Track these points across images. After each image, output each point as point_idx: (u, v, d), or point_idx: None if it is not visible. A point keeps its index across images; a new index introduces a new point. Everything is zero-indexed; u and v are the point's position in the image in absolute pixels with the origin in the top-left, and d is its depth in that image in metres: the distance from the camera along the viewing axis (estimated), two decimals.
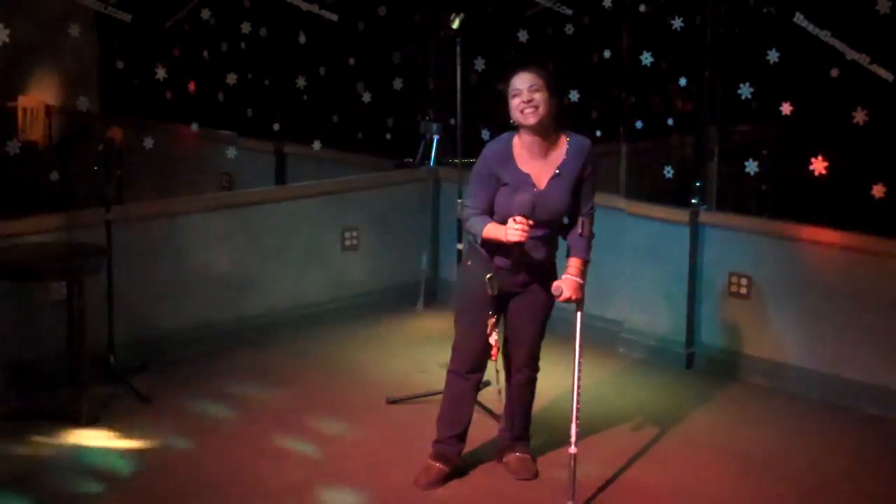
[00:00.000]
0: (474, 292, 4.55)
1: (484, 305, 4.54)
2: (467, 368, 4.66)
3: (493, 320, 4.55)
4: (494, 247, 4.50)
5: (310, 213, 6.76)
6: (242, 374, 5.94)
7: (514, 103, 4.41)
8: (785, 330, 5.82)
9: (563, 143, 4.50)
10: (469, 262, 4.63)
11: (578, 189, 4.51)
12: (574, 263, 4.53)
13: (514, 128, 4.49)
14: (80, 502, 4.58)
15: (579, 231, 4.54)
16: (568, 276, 4.50)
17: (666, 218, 6.15)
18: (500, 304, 4.61)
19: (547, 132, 4.46)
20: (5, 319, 5.51)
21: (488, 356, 4.61)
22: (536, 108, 4.38)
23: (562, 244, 4.64)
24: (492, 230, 4.43)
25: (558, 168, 4.47)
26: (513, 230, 4.32)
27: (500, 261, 4.52)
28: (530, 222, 4.33)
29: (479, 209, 4.49)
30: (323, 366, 6.10)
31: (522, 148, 4.48)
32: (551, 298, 4.60)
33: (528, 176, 4.44)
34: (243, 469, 4.85)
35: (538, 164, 4.47)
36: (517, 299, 4.62)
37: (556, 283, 4.48)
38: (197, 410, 5.45)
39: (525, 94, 4.38)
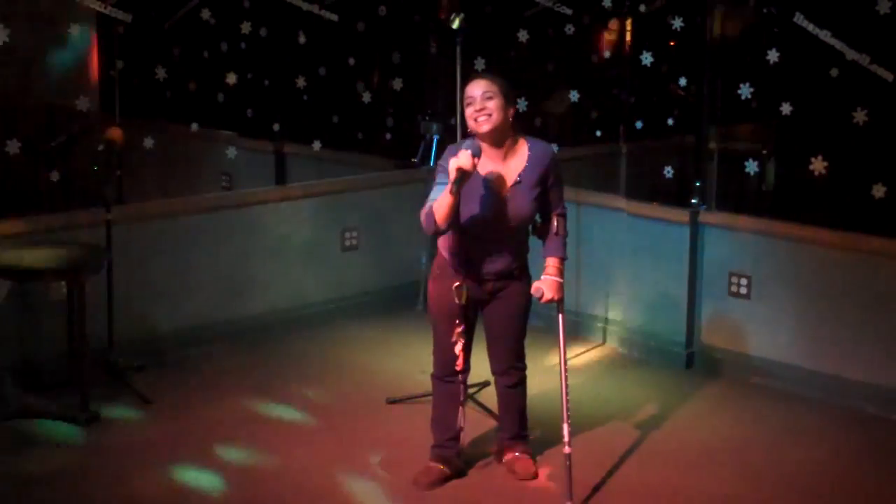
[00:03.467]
0: (442, 301, 4.55)
1: (453, 314, 4.52)
2: (448, 373, 4.67)
3: (461, 329, 4.54)
4: (459, 257, 4.47)
5: (310, 213, 6.76)
6: (242, 373, 5.94)
7: (468, 112, 4.38)
8: (785, 330, 5.82)
9: (524, 149, 4.47)
10: (437, 272, 4.61)
11: (543, 197, 4.49)
12: (552, 263, 4.53)
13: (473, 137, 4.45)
14: (79, 502, 4.58)
15: (554, 230, 4.54)
16: (547, 276, 4.51)
17: (666, 218, 6.15)
18: (472, 311, 4.60)
19: (503, 139, 4.43)
20: (5, 319, 5.52)
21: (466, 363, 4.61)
22: (490, 115, 4.35)
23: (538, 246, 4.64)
24: (441, 198, 4.30)
25: (519, 175, 4.44)
26: (454, 160, 4.21)
27: (467, 272, 4.50)
28: (476, 160, 4.23)
29: None
30: (323, 366, 6.10)
31: (483, 152, 4.43)
32: (527, 298, 4.60)
33: (488, 181, 4.41)
34: (243, 469, 4.85)
35: (498, 170, 4.44)
36: (490, 306, 4.61)
37: (535, 285, 4.48)
38: (197, 410, 5.46)
39: (478, 102, 4.36)
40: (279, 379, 5.88)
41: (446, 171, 4.34)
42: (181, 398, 5.59)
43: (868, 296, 5.55)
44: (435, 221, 4.34)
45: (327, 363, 6.14)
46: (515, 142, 4.47)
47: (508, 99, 4.41)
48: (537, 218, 4.59)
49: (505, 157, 4.45)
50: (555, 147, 4.79)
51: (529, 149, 4.48)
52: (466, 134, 4.61)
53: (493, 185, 4.42)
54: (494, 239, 4.46)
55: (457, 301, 4.46)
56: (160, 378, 5.80)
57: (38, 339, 5.61)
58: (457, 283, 4.47)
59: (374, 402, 5.55)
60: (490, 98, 4.36)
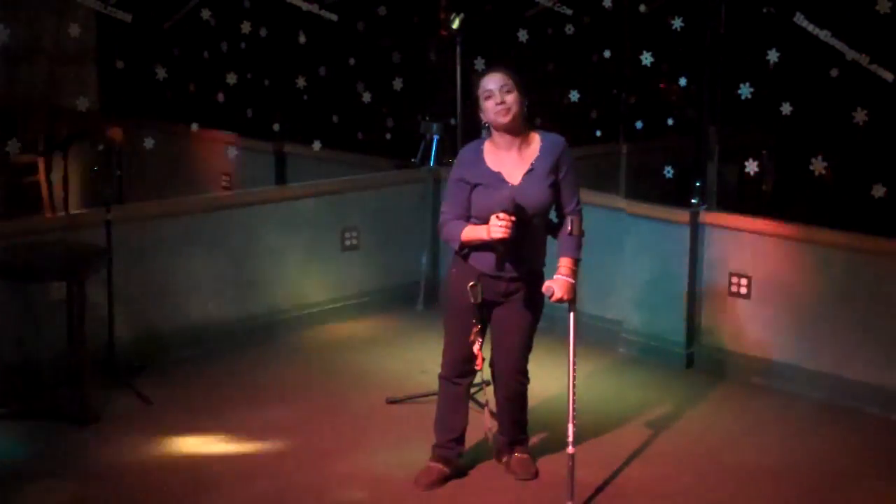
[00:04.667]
0: (459, 300, 4.55)
1: (468, 313, 4.53)
2: (456, 374, 4.67)
3: (478, 329, 4.54)
4: (474, 251, 4.51)
5: (310, 213, 6.76)
6: (242, 374, 5.94)
7: (489, 105, 4.48)
8: (785, 330, 5.82)
9: (536, 141, 4.56)
10: (454, 270, 4.62)
11: (556, 187, 4.53)
12: (565, 263, 4.53)
13: (486, 128, 4.57)
14: (79, 501, 4.59)
15: (568, 230, 4.55)
16: (559, 276, 4.51)
17: (666, 218, 6.15)
18: (485, 312, 4.61)
19: (519, 130, 4.52)
20: (5, 319, 5.52)
21: (474, 364, 4.61)
22: (509, 109, 4.45)
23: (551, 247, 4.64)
24: (471, 232, 4.47)
25: (532, 164, 4.51)
26: (496, 227, 4.34)
27: (483, 267, 4.52)
28: (512, 218, 4.34)
29: (454, 215, 4.53)
30: (323, 366, 6.10)
31: (493, 149, 4.53)
32: (538, 309, 4.62)
33: (499, 174, 4.48)
34: (243, 469, 4.85)
35: (511, 162, 4.51)
36: (500, 308, 4.61)
37: (546, 284, 4.48)
38: (197, 410, 5.45)
39: (497, 95, 4.46)
40: (279, 379, 5.88)
41: (455, 182, 4.53)
42: (181, 398, 5.59)
43: (868, 296, 5.54)
44: (460, 244, 4.52)
45: (327, 363, 6.14)
46: (528, 135, 4.56)
47: (522, 92, 4.51)
48: (553, 217, 4.61)
49: (519, 147, 4.53)
50: None
51: (541, 140, 4.56)
52: (470, 132, 4.64)
53: (507, 176, 4.47)
54: (514, 230, 4.46)
55: (472, 300, 4.48)
56: (160, 378, 5.80)
57: (38, 339, 5.60)
58: (472, 283, 4.49)
59: (374, 402, 5.55)
60: (508, 92, 4.47)
